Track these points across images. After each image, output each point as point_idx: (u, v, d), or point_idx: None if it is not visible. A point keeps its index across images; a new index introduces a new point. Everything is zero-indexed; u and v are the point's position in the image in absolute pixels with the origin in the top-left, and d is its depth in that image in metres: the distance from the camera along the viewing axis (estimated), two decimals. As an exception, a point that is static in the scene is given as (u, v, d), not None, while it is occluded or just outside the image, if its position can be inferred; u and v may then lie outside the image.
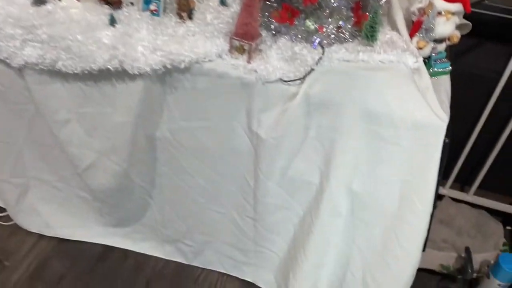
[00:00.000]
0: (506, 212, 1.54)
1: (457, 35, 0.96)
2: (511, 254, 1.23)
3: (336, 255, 1.08)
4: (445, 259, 1.37)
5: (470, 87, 1.32)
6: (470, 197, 1.54)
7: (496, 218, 1.55)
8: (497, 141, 1.40)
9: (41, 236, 1.38)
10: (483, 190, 1.53)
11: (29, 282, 1.28)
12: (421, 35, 0.94)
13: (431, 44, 0.95)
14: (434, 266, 1.38)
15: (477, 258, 1.36)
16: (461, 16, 0.97)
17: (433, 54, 0.97)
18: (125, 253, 1.38)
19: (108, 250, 1.38)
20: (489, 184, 1.51)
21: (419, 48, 0.94)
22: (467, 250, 1.29)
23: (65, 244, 1.38)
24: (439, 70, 0.98)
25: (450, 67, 0.99)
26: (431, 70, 0.97)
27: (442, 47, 0.97)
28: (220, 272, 1.35)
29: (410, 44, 0.94)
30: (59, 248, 1.37)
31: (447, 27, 0.93)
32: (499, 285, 1.22)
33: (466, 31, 1.01)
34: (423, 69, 0.92)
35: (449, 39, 0.96)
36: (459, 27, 0.97)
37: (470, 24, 1.01)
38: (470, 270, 1.25)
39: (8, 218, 1.40)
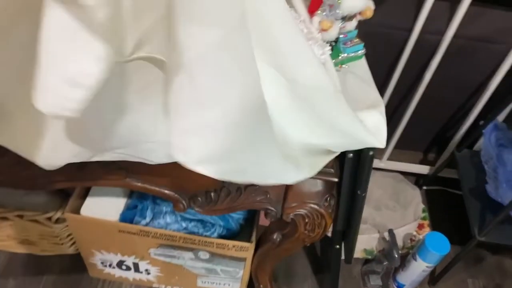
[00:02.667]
0: (420, 173, 1.45)
1: (370, 8, 0.69)
2: (436, 233, 1.11)
3: None
4: (368, 242, 1.24)
5: (379, 46, 1.10)
6: (383, 163, 1.40)
7: (411, 179, 1.46)
8: (409, 105, 1.23)
9: None
10: (394, 149, 1.39)
11: None
12: (324, 13, 0.66)
13: (338, 24, 0.68)
14: (357, 253, 1.24)
15: (400, 233, 1.25)
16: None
17: (342, 36, 0.70)
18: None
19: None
20: (399, 143, 1.37)
21: (323, 31, 0.67)
22: (391, 233, 1.16)
23: None
24: (351, 54, 0.73)
25: (364, 49, 0.73)
26: (340, 57, 0.72)
27: (352, 25, 0.70)
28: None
29: (311, 27, 0.65)
30: None
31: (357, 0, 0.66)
32: (427, 267, 1.12)
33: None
34: (330, 65, 0.65)
35: (361, 13, 0.69)
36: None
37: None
38: (396, 256, 1.12)
39: None
